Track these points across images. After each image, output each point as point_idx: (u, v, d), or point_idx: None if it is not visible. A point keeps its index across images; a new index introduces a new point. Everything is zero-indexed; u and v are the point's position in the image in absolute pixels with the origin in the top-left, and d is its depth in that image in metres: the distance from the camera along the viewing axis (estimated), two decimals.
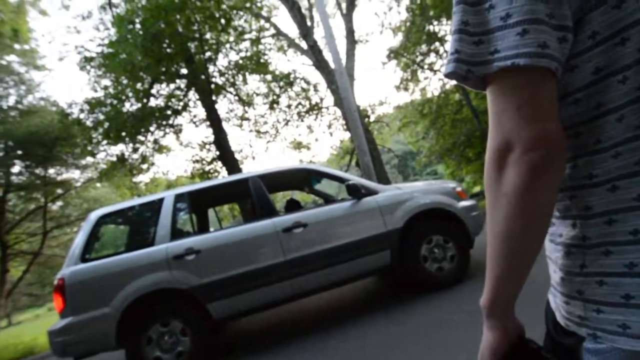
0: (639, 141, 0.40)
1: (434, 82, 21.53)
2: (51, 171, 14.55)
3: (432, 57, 14.75)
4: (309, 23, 11.61)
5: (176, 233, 3.20)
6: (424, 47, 14.19)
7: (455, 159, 15.89)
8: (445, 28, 13.78)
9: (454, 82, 0.51)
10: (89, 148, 9.62)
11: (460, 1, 0.44)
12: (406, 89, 15.79)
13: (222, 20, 8.40)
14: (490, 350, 0.51)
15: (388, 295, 3.78)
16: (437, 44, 13.93)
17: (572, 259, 0.46)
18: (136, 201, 3.54)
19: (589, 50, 0.42)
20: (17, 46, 13.74)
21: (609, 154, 0.42)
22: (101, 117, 8.89)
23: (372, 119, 13.50)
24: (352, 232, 3.27)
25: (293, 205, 3.94)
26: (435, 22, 13.42)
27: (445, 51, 13.91)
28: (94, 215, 3.30)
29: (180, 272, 2.97)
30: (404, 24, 14.40)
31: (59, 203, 16.53)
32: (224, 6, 8.27)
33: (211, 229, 4.71)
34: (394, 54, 14.76)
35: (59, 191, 15.36)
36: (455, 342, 2.31)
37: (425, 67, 14.98)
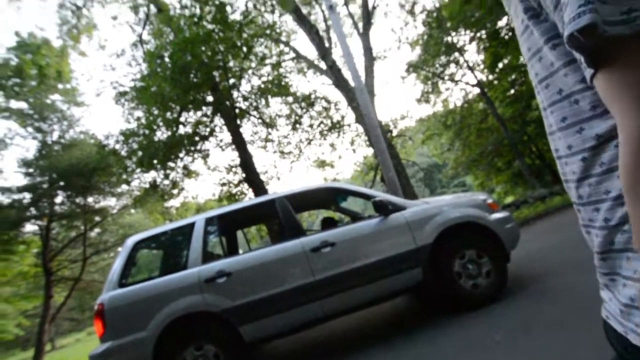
0: None
1: (456, 92, 21.27)
2: (90, 200, 15.41)
3: (452, 68, 14.64)
4: (327, 44, 11.90)
5: (207, 256, 3.27)
6: (443, 59, 14.13)
7: (484, 170, 15.44)
8: (464, 38, 13.70)
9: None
10: (124, 176, 10.14)
11: None
12: (427, 101, 15.68)
13: (244, 49, 8.79)
14: None
15: (422, 314, 3.64)
16: (456, 54, 13.83)
17: None
18: (169, 226, 3.67)
19: None
20: (60, 86, 14.97)
21: None
22: (135, 146, 9.40)
23: (394, 133, 13.42)
24: (381, 250, 3.21)
25: (329, 223, 3.93)
26: (453, 33, 13.38)
27: (465, 61, 13.76)
28: (131, 241, 3.44)
29: (212, 295, 3.01)
30: (421, 38, 14.46)
31: (97, 230, 17.38)
32: (245, 35, 8.67)
33: (240, 251, 4.78)
34: (413, 67, 14.78)
35: (97, 219, 16.18)
36: None
37: (446, 78, 14.85)
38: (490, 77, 14.18)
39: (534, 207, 9.05)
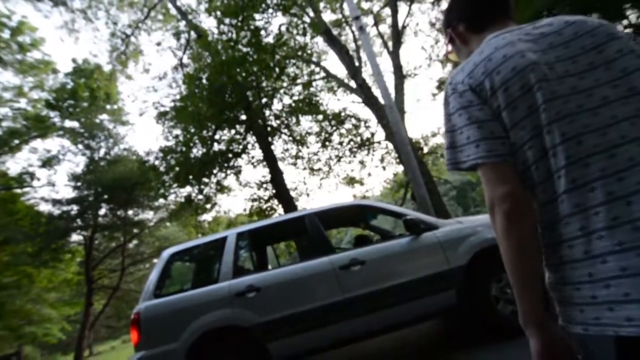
0: (553, 204, 0.66)
1: None
2: (130, 212, 16.28)
3: None
4: (356, 63, 12.07)
5: (238, 270, 3.33)
6: None
7: None
8: None
9: None
10: (162, 191, 10.63)
11: (446, 131, 0.77)
12: None
13: (277, 69, 9.11)
14: (536, 356, 0.66)
15: (457, 340, 3.46)
16: None
17: None
18: (202, 240, 3.79)
19: (516, 152, 0.69)
20: (108, 106, 16.20)
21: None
22: (172, 162, 9.88)
23: (425, 150, 13.19)
24: (412, 270, 3.12)
25: (362, 241, 3.89)
26: None
27: None
28: (166, 253, 3.58)
29: (242, 309, 3.04)
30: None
31: (135, 241, 18.25)
32: (277, 57, 9.00)
33: (269, 266, 4.82)
34: (444, 84, 14.58)
35: (135, 230, 17.02)
36: None
37: None
38: None
39: None
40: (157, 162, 10.34)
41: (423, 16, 20.54)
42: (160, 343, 3.00)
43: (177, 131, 10.53)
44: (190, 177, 9.57)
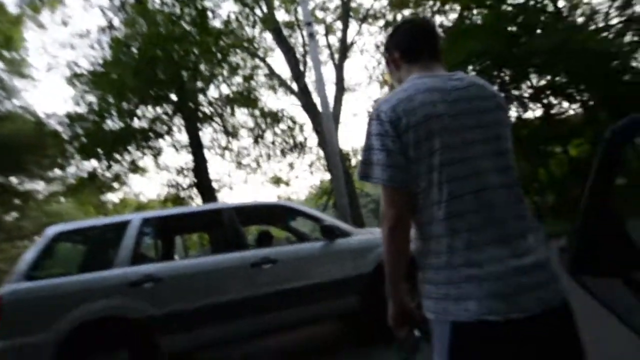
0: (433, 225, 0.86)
1: None
2: (13, 180, 13.80)
3: None
4: (301, 67, 12.19)
5: (138, 258, 3.04)
6: None
7: None
8: None
9: None
10: (59, 160, 9.28)
11: (365, 148, 0.93)
12: None
13: (219, 55, 8.71)
14: (390, 316, 0.93)
15: (357, 341, 3.64)
16: None
17: None
18: (100, 221, 3.41)
19: (415, 179, 0.86)
20: (5, 53, 13.59)
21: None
22: (79, 131, 8.70)
23: (353, 163, 13.84)
24: (321, 273, 3.22)
25: (265, 238, 3.86)
26: None
27: None
28: (51, 231, 3.11)
29: (135, 299, 2.78)
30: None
31: (15, 214, 15.52)
32: (222, 43, 8.63)
33: (176, 257, 4.51)
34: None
35: (17, 202, 14.47)
36: None
37: None
38: None
39: None
40: (60, 128, 9.00)
41: (371, 37, 21.63)
42: (25, 333, 2.57)
43: (92, 98, 9.32)
44: (100, 150, 8.53)
